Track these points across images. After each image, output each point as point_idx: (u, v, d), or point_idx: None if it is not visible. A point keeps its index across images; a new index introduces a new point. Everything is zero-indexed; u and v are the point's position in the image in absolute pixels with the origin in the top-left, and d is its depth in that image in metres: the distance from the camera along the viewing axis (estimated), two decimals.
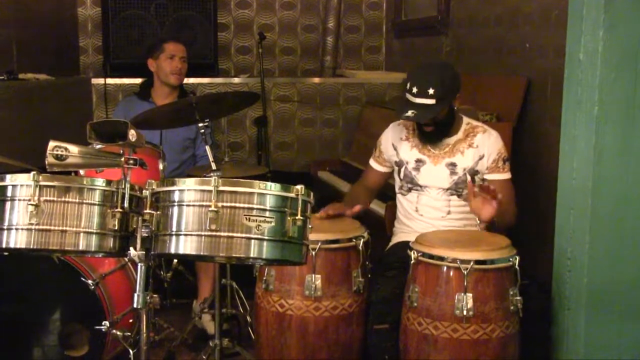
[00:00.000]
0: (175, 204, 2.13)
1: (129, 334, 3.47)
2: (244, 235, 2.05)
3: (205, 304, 4.03)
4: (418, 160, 3.38)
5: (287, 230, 2.09)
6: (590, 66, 2.80)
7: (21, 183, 2.14)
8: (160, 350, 3.76)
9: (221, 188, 2.02)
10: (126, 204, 2.09)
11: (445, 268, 2.81)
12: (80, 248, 2.15)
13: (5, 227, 2.14)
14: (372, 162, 3.58)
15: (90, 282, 3.31)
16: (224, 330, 3.97)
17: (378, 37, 5.82)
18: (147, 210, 2.11)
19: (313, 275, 2.98)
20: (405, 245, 3.10)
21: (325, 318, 3.01)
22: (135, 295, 2.20)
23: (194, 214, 2.08)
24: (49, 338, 3.39)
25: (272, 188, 2.08)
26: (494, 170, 3.30)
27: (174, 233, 2.13)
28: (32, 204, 2.06)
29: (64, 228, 2.11)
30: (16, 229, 2.14)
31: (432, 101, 3.14)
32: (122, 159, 2.10)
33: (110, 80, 4.84)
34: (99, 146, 2.15)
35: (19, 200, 2.15)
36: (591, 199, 2.85)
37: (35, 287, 3.38)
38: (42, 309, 3.40)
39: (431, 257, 2.84)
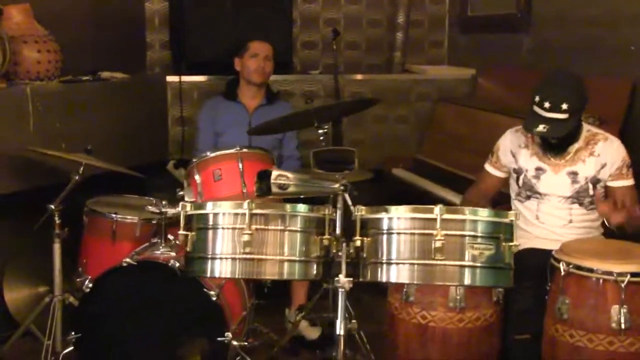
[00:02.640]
0: (386, 232, 2.09)
1: (246, 344, 3.46)
2: (467, 263, 2.02)
3: (302, 310, 4.00)
4: (538, 169, 3.36)
5: (504, 257, 2.07)
6: None
7: (229, 211, 2.09)
8: (261, 356, 3.73)
9: (445, 216, 1.99)
10: (338, 231, 2.06)
11: (600, 280, 2.80)
12: (285, 277, 2.12)
13: (213, 256, 2.10)
14: (489, 167, 3.55)
15: (212, 292, 3.28)
16: (324, 334, 3.99)
17: (441, 31, 5.77)
18: (357, 237, 2.07)
19: (458, 287, 2.96)
20: (533, 253, 3.12)
21: (468, 329, 3.01)
22: (337, 322, 2.17)
23: (412, 242, 2.05)
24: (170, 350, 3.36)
25: (487, 215, 2.06)
26: (618, 177, 3.28)
27: (384, 261, 2.09)
28: (247, 233, 2.01)
29: (274, 257, 2.07)
30: (227, 259, 2.09)
31: (565, 116, 3.12)
32: (337, 185, 2.05)
33: (185, 78, 4.78)
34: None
35: (226, 228, 2.10)
36: None
37: (157, 299, 3.34)
38: (161, 319, 3.36)
39: (583, 269, 2.83)
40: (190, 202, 3.38)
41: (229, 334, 3.28)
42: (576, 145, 3.31)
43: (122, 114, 4.31)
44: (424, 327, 3.03)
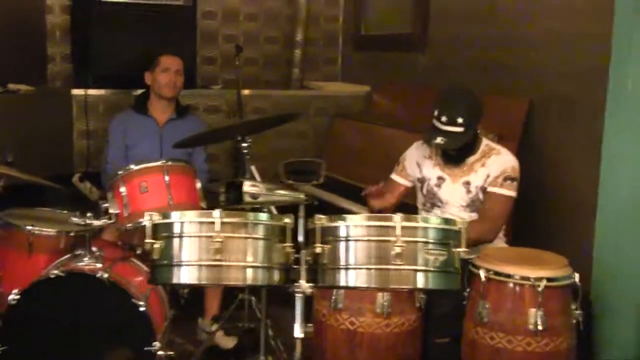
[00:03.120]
0: (344, 239, 2.23)
1: (171, 353, 3.51)
2: (421, 268, 2.18)
3: (217, 321, 4.08)
4: (439, 178, 3.58)
5: (454, 262, 2.24)
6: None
7: (193, 220, 2.17)
8: None
9: (404, 224, 2.14)
10: (300, 239, 2.17)
11: (518, 286, 3.03)
12: (248, 282, 2.22)
13: (178, 263, 2.18)
14: (395, 176, 3.74)
15: (140, 302, 3.32)
16: (240, 343, 4.08)
17: (335, 49, 5.97)
18: (318, 244, 2.19)
19: (384, 294, 3.12)
20: None
21: (395, 334, 3.18)
22: (296, 325, 2.28)
23: (369, 248, 2.19)
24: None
25: (440, 223, 2.23)
26: (493, 184, 3.46)
27: (342, 267, 2.23)
28: (218, 240, 2.11)
29: (239, 263, 2.17)
30: (193, 265, 2.18)
31: (460, 129, 3.36)
32: (302, 197, 2.17)
33: (90, 91, 4.77)
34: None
35: (189, 235, 2.19)
36: (632, 215, 3.15)
37: (85, 310, 3.35)
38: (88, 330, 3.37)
39: (503, 275, 3.05)
40: (115, 213, 3.45)
41: (156, 344, 3.32)
42: (472, 157, 3.54)
43: (28, 127, 4.26)
44: (353, 332, 3.18)
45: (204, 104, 5.09)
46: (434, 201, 3.59)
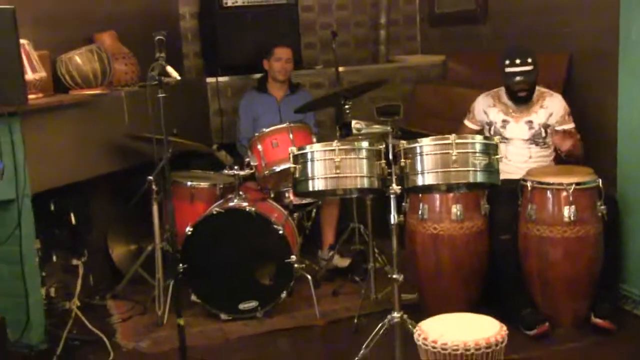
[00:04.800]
0: (419, 154, 3.39)
1: (303, 265, 4.74)
2: (471, 168, 3.33)
3: (333, 249, 5.26)
4: (504, 120, 4.65)
5: (494, 164, 3.38)
6: None
7: (320, 149, 3.39)
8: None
9: (457, 141, 3.30)
10: (390, 157, 3.34)
11: (554, 190, 4.13)
12: (358, 185, 3.41)
13: (312, 177, 3.40)
14: (467, 122, 4.81)
15: (279, 227, 4.55)
16: (353, 262, 5.25)
17: (414, 27, 7.08)
18: (402, 159, 3.36)
19: (457, 205, 4.26)
20: (505, 181, 4.28)
21: (467, 234, 4.30)
22: (392, 216, 3.46)
23: (436, 158, 3.35)
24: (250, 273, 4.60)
25: (481, 139, 3.37)
26: (562, 122, 4.58)
27: (419, 172, 3.40)
28: (337, 160, 3.31)
29: (352, 174, 3.37)
30: (320, 178, 3.39)
31: (532, 67, 4.42)
32: (389, 128, 3.35)
33: (220, 79, 6.01)
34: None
35: (318, 160, 3.40)
36: None
37: (240, 235, 4.59)
38: (242, 251, 4.61)
39: (544, 183, 4.15)
40: (255, 165, 4.68)
41: (293, 257, 4.55)
42: (531, 101, 4.62)
43: (178, 109, 5.47)
44: (436, 235, 4.32)
45: (309, 81, 6.22)
46: (499, 139, 4.65)
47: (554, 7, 5.18)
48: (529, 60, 4.37)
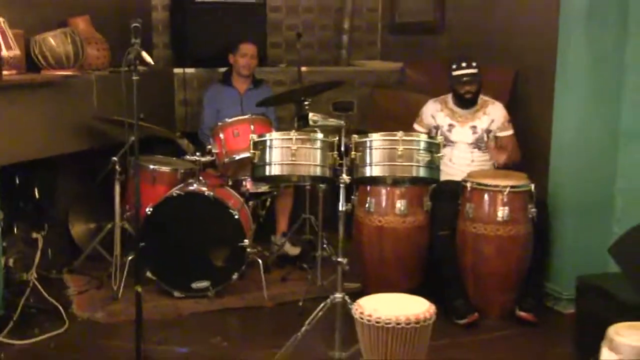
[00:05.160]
0: (368, 148, 3.70)
1: (255, 250, 5.02)
2: (415, 164, 3.65)
3: (285, 235, 5.57)
4: (450, 124, 4.99)
5: (435, 161, 3.71)
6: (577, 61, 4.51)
7: (278, 137, 3.68)
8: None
9: (404, 137, 3.62)
10: (342, 149, 3.65)
11: (490, 192, 4.47)
12: (311, 173, 3.71)
13: (269, 163, 3.70)
14: (416, 126, 5.12)
15: (234, 212, 4.83)
16: (302, 251, 5.55)
17: (375, 34, 7.41)
18: (353, 152, 3.67)
19: (401, 200, 4.58)
20: (448, 183, 4.73)
21: (409, 228, 4.61)
22: (340, 203, 3.76)
23: (384, 152, 3.67)
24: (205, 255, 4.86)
25: (426, 137, 3.69)
26: (502, 129, 4.93)
27: (367, 164, 3.71)
28: (291, 149, 3.61)
29: (306, 162, 3.67)
30: (277, 164, 3.69)
31: (476, 70, 4.79)
32: (343, 123, 3.66)
33: (187, 70, 6.28)
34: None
35: (276, 147, 3.70)
36: (576, 148, 4.56)
37: (197, 218, 4.86)
38: (198, 233, 4.87)
39: (482, 184, 4.49)
40: (216, 152, 4.95)
41: (246, 241, 4.82)
42: (474, 108, 4.97)
43: (145, 97, 5.72)
44: (380, 228, 4.63)
45: (273, 78, 6.48)
46: (445, 142, 4.98)
47: (504, 25, 5.55)
48: (474, 64, 4.75)
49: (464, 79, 4.77)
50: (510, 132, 4.95)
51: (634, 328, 2.69)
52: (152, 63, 3.72)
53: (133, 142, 3.96)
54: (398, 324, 3.07)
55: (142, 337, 3.69)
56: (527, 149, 5.04)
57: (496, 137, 4.95)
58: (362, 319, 3.15)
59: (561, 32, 4.63)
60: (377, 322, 3.09)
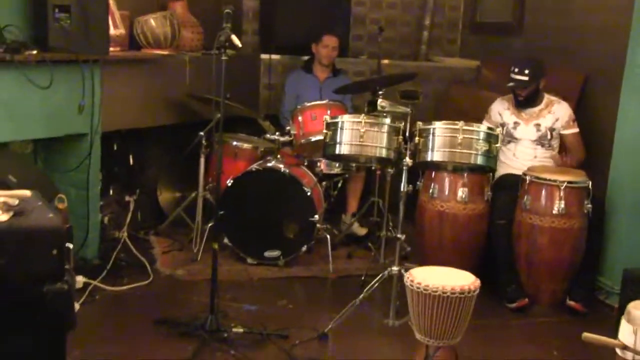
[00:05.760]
0: (431, 134, 4.05)
1: (325, 226, 5.40)
2: (474, 152, 3.98)
3: (355, 216, 5.95)
4: (515, 122, 5.27)
5: (493, 151, 4.02)
6: None
7: (349, 120, 4.06)
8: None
9: (464, 127, 3.95)
10: (407, 135, 4.00)
11: (549, 185, 4.74)
12: (377, 155, 4.07)
13: (339, 142, 4.07)
14: (485, 123, 5.40)
15: (307, 189, 5.22)
16: (369, 231, 5.91)
17: (455, 32, 7.70)
18: (417, 138, 4.02)
19: (463, 188, 4.89)
20: (510, 176, 5.03)
21: (469, 215, 4.91)
22: (402, 185, 4.12)
23: (445, 139, 4.01)
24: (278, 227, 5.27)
25: (485, 128, 4.01)
26: (567, 126, 5.19)
27: (429, 149, 4.05)
28: (360, 131, 3.98)
29: (374, 144, 4.03)
30: (346, 144, 4.07)
31: (526, 78, 5.05)
32: (409, 110, 4.00)
33: (273, 56, 6.70)
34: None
35: (346, 129, 4.08)
36: (637, 149, 4.80)
37: (273, 192, 5.27)
38: (273, 207, 5.28)
39: (540, 179, 4.76)
40: (294, 133, 5.35)
41: (317, 216, 5.21)
42: (539, 107, 5.23)
43: (233, 79, 6.15)
44: (441, 213, 4.94)
45: (353, 69, 6.86)
46: (510, 139, 5.27)
47: (578, 28, 5.78)
48: (526, 71, 5.01)
49: (510, 84, 5.08)
50: (574, 130, 5.20)
51: None
52: (240, 46, 4.08)
53: (219, 119, 4.36)
54: (444, 292, 3.39)
55: (217, 292, 4.09)
56: (591, 148, 5.28)
57: (561, 135, 5.19)
58: (412, 286, 3.49)
59: (632, 33, 4.83)
60: (425, 290, 3.43)
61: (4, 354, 2.68)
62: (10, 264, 2.68)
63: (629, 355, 2.80)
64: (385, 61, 6.86)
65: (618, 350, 2.84)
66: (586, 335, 2.87)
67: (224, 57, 3.95)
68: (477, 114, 5.94)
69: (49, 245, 2.73)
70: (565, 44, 5.94)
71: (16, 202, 2.85)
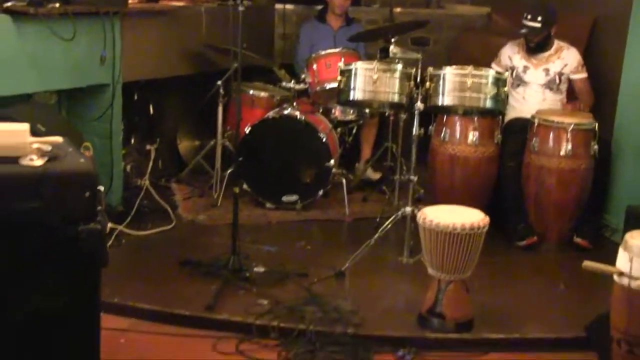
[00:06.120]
0: (442, 78, 4.21)
1: (341, 171, 5.58)
2: (483, 95, 4.13)
3: (368, 162, 6.12)
4: (525, 66, 5.39)
5: (501, 94, 4.17)
6: None
7: (362, 66, 4.21)
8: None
9: (473, 72, 4.10)
10: (418, 80, 4.16)
11: (557, 127, 4.89)
12: (390, 100, 4.23)
13: (354, 88, 4.23)
14: (494, 66, 5.48)
15: (322, 135, 5.39)
16: (383, 176, 6.09)
17: None
18: (428, 82, 4.17)
19: (474, 132, 5.05)
20: (519, 119, 5.18)
21: (480, 158, 5.06)
22: (414, 128, 4.28)
23: (455, 83, 4.16)
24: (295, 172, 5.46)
25: (494, 73, 4.16)
26: (576, 72, 5.31)
27: (440, 93, 4.21)
28: (373, 77, 4.14)
29: (387, 90, 4.19)
30: (359, 90, 4.23)
31: (538, 25, 5.15)
32: (420, 55, 4.15)
33: (287, 6, 6.82)
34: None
35: (359, 75, 4.23)
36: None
37: (289, 139, 5.44)
38: (290, 153, 5.46)
39: (548, 121, 4.91)
40: (309, 81, 5.50)
41: (332, 162, 5.38)
42: (548, 52, 5.35)
43: (249, 29, 6.28)
44: (454, 155, 5.09)
45: (366, 18, 6.97)
46: (519, 82, 5.39)
47: None
48: (539, 18, 5.12)
49: (522, 30, 5.19)
50: (583, 75, 5.32)
51: None
52: None
53: (236, 69, 4.50)
54: (455, 229, 3.58)
55: (237, 235, 4.29)
56: (598, 92, 5.41)
57: (570, 80, 5.32)
58: (424, 224, 3.68)
59: None
60: (437, 227, 3.61)
61: (45, 291, 2.88)
62: (47, 207, 2.86)
63: (624, 280, 2.98)
64: (397, 9, 6.95)
65: (615, 277, 3.01)
66: (586, 263, 3.04)
67: (240, 8, 4.07)
68: (488, 61, 6.02)
69: (82, 188, 2.91)
70: None
71: (49, 148, 3.03)
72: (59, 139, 3.06)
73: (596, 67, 5.56)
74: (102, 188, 2.97)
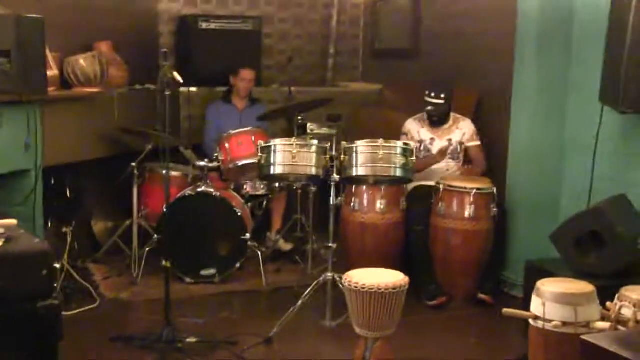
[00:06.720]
0: (355, 152, 4.56)
1: (255, 244, 5.84)
2: (393, 165, 4.51)
3: (280, 232, 6.41)
4: (432, 138, 5.84)
5: (409, 164, 4.56)
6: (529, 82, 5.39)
7: (281, 143, 4.53)
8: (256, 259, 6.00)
9: (384, 144, 4.47)
10: (334, 153, 4.50)
11: (461, 192, 5.31)
12: (308, 173, 4.55)
13: (273, 164, 4.54)
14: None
15: (238, 210, 5.65)
16: (294, 247, 6.37)
17: (357, 59, 8.29)
18: (342, 156, 4.52)
19: (381, 200, 5.42)
20: (423, 186, 5.58)
21: (387, 224, 5.43)
22: (331, 198, 4.61)
23: (367, 155, 4.53)
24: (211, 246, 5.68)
25: (402, 144, 4.55)
26: (471, 140, 5.80)
27: (354, 165, 4.56)
28: (294, 152, 4.45)
29: (305, 164, 4.51)
30: (279, 165, 4.54)
31: (442, 101, 5.64)
32: (335, 132, 4.50)
33: (192, 89, 7.10)
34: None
35: (279, 151, 4.55)
36: (528, 157, 5.43)
37: (206, 215, 5.67)
38: (206, 228, 5.69)
39: (453, 186, 5.33)
40: (222, 159, 5.77)
41: (248, 235, 5.64)
42: (448, 124, 5.83)
43: (153, 112, 6.52)
44: (363, 224, 5.45)
45: (266, 97, 7.23)
46: (427, 153, 5.79)
47: (470, 53, 6.42)
48: (442, 95, 5.62)
49: (428, 107, 5.69)
50: (477, 142, 5.82)
51: (554, 282, 3.57)
52: (182, 81, 4.49)
53: (149, 150, 4.69)
54: (379, 289, 3.88)
55: (170, 306, 4.46)
56: (490, 159, 5.90)
57: (466, 148, 5.79)
58: (350, 286, 3.97)
59: (516, 57, 5.47)
60: (363, 288, 3.90)
61: None
62: (7, 285, 3.02)
63: (539, 323, 3.35)
64: (295, 88, 7.30)
65: (531, 321, 3.38)
66: (506, 310, 3.40)
67: (167, 93, 4.33)
68: (386, 133, 6.47)
69: (39, 266, 3.09)
70: (459, 66, 6.55)
71: (2, 230, 3.19)
72: (13, 221, 3.22)
73: (485, 136, 6.05)
74: (58, 265, 3.14)
